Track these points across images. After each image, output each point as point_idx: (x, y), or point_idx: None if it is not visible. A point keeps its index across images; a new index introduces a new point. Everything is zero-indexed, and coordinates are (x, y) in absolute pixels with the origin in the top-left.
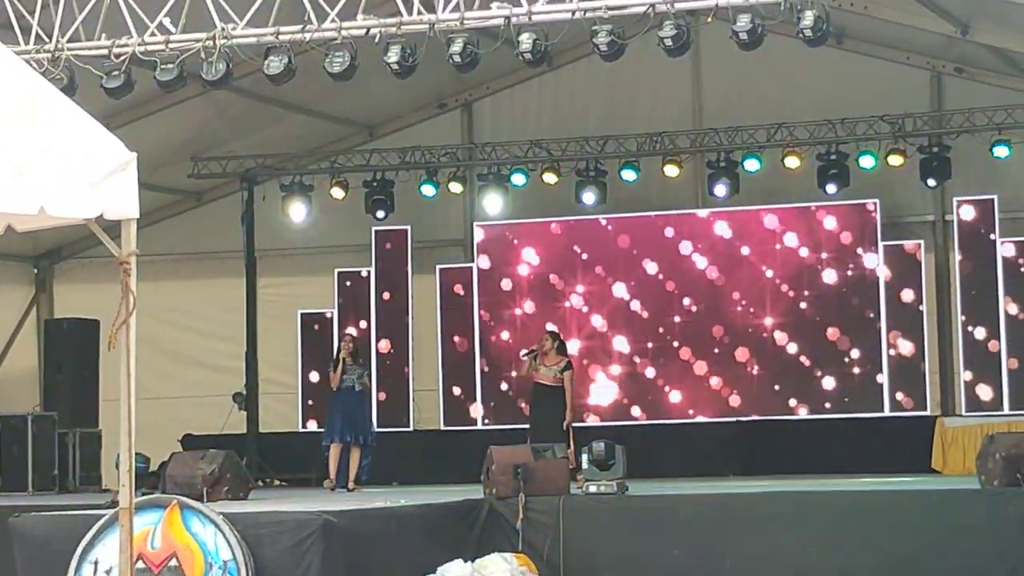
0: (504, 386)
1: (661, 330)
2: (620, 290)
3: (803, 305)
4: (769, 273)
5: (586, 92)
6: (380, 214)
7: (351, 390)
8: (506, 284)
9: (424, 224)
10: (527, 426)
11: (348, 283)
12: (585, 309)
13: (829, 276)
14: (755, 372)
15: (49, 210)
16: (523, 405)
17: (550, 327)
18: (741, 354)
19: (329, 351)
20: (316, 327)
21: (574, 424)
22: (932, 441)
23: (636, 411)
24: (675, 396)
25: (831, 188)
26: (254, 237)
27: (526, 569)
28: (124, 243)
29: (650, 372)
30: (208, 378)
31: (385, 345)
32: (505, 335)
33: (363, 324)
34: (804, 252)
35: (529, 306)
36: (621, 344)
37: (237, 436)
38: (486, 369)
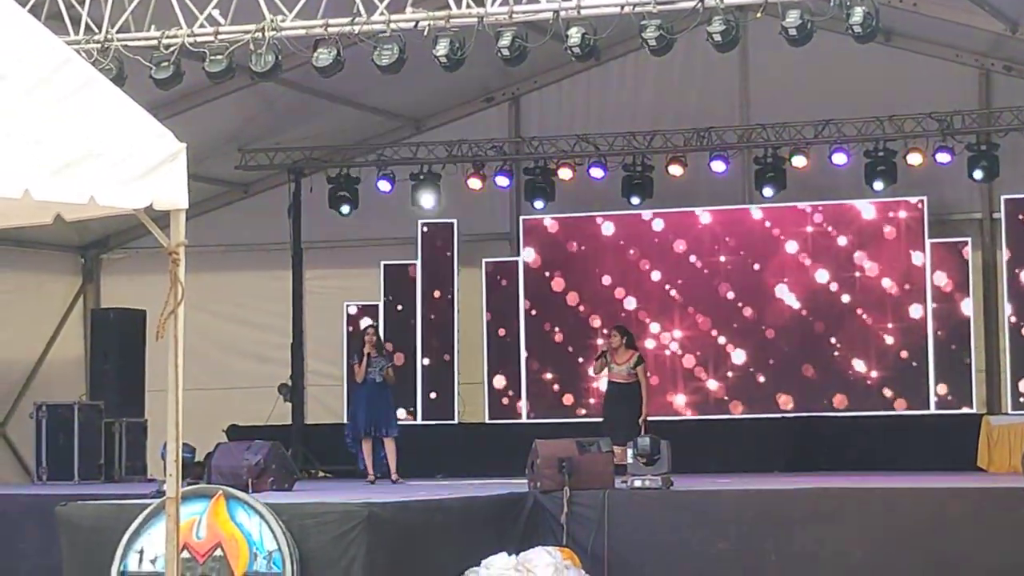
0: (549, 378)
1: (704, 324)
2: (658, 276)
3: (850, 302)
4: (813, 267)
5: (634, 87)
6: (427, 207)
7: (374, 382)
8: (552, 277)
9: (470, 218)
10: (595, 421)
11: (394, 276)
12: (632, 306)
13: (874, 271)
14: (802, 370)
15: (99, 200)
16: (568, 399)
17: (617, 325)
18: (785, 348)
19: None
20: (362, 319)
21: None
22: (978, 439)
23: (680, 403)
24: (715, 386)
25: (878, 185)
26: (300, 229)
27: (570, 563)
28: (173, 233)
29: (699, 371)
30: (254, 369)
31: (430, 338)
32: (551, 329)
33: (409, 317)
34: (850, 249)
35: (575, 299)
36: (656, 329)
37: (283, 427)
38: (532, 363)
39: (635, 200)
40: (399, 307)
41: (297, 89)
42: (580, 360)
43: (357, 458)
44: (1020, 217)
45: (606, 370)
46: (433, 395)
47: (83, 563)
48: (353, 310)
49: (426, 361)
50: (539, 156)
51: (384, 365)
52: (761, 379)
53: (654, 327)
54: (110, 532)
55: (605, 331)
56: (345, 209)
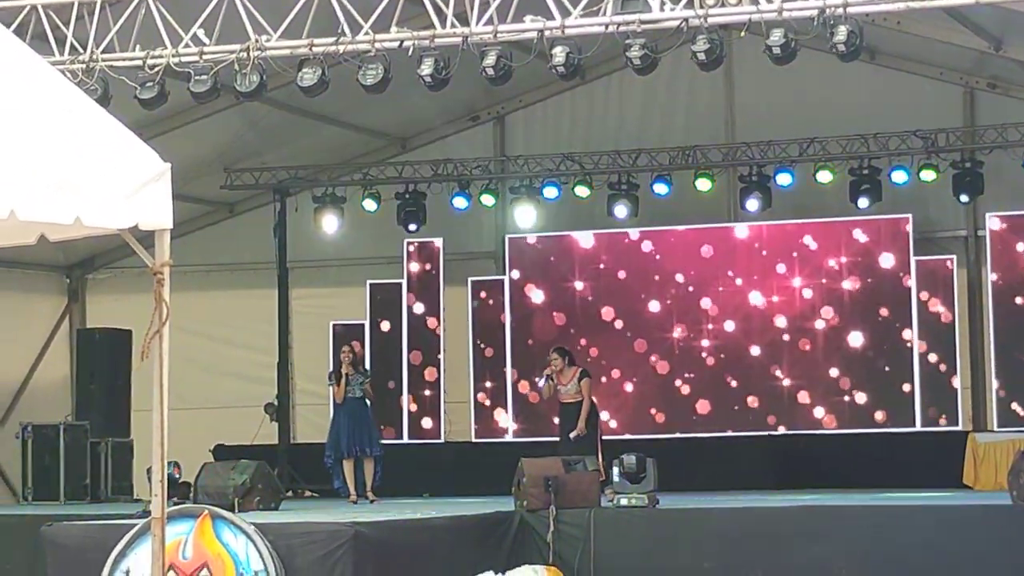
0: (535, 399)
1: (689, 341)
2: (654, 307)
3: (836, 320)
4: (798, 284)
5: (619, 105)
6: (412, 226)
7: (354, 399)
8: (537, 297)
9: (456, 237)
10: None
11: (380, 295)
12: (619, 325)
13: (861, 291)
14: (786, 385)
15: (85, 220)
16: (555, 419)
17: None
18: (772, 368)
19: (360, 362)
20: (348, 338)
21: (603, 437)
22: (964, 456)
23: (665, 423)
24: (705, 408)
25: (863, 203)
26: (286, 248)
27: None
28: (158, 253)
29: (684, 388)
30: (240, 388)
31: (416, 357)
32: (537, 347)
33: (395, 336)
34: (836, 266)
35: (560, 318)
36: (648, 355)
37: (269, 447)
38: (517, 382)
39: (620, 218)
40: (385, 326)
41: (282, 108)
42: None
43: (334, 478)
44: (1004, 234)
45: (555, 392)
46: (419, 414)
47: None
48: (339, 329)
49: (411, 379)
50: (524, 175)
51: (363, 380)
52: (747, 398)
53: (638, 343)
54: (96, 552)
55: (551, 354)
56: (331, 228)
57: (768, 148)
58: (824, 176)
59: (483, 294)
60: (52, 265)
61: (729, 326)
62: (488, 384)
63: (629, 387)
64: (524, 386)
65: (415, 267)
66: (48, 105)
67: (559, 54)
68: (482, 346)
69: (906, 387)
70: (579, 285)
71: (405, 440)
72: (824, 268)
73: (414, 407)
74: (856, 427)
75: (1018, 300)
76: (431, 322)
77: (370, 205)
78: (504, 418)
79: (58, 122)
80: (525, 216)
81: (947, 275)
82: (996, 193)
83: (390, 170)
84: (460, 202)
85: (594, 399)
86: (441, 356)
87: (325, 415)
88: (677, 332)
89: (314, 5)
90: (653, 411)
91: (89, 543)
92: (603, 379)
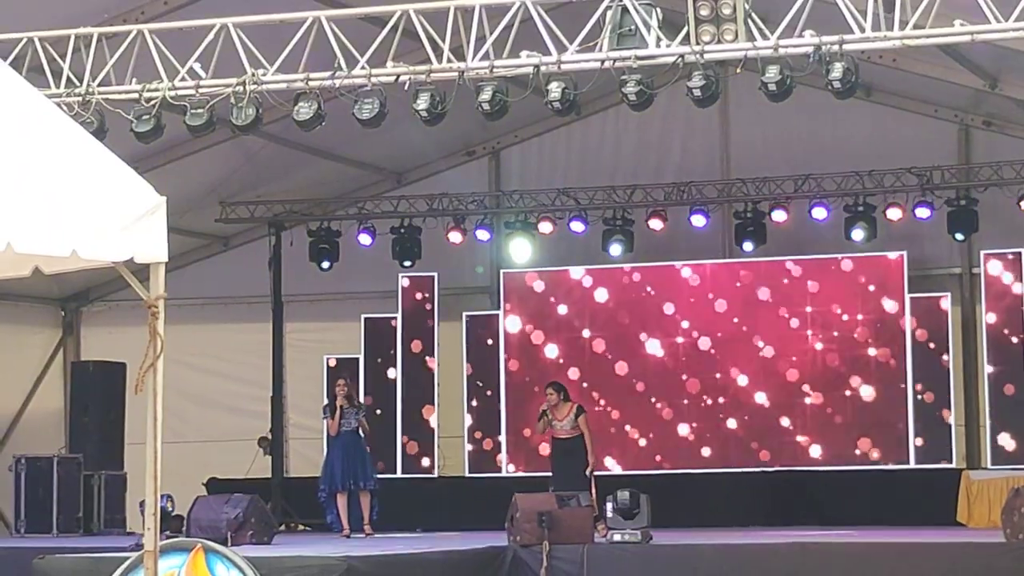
0: (528, 433)
1: (687, 381)
2: (652, 345)
3: (827, 356)
4: (794, 322)
5: (614, 141)
6: (407, 263)
7: (349, 432)
8: (532, 332)
9: (451, 271)
10: (550, 475)
11: (374, 329)
12: (609, 357)
13: (854, 327)
14: (782, 424)
15: (81, 253)
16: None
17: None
18: (764, 403)
19: (355, 395)
20: (342, 372)
21: (596, 473)
22: (957, 494)
23: (659, 459)
24: (700, 445)
25: (858, 239)
26: (281, 282)
27: None
28: (152, 286)
29: (683, 429)
30: (234, 422)
31: (410, 392)
32: (530, 381)
33: (389, 370)
34: (830, 302)
35: (554, 352)
36: (644, 391)
37: (262, 480)
38: (511, 416)
39: (615, 254)
40: (379, 360)
41: (278, 142)
42: None
43: (326, 512)
44: (999, 272)
45: (549, 428)
46: (412, 449)
47: None
48: (333, 363)
49: (405, 414)
50: (520, 210)
51: (357, 413)
52: (740, 432)
53: (632, 380)
54: None
55: (547, 390)
56: (325, 263)
57: (763, 184)
58: (819, 213)
59: (489, 341)
60: (47, 298)
61: (723, 362)
62: (482, 418)
63: (643, 442)
64: (518, 421)
65: (409, 302)
66: (44, 138)
67: (555, 89)
68: (476, 381)
69: (899, 424)
70: (574, 320)
71: (398, 475)
72: (818, 304)
73: (408, 442)
74: (849, 463)
75: (1012, 338)
76: (426, 357)
77: (365, 239)
78: (498, 453)
79: (54, 155)
80: (520, 251)
81: (942, 312)
82: (991, 231)
83: (385, 204)
84: (455, 236)
85: None
86: (435, 390)
87: (318, 449)
88: (670, 366)
89: (310, 39)
90: (658, 458)
91: None
92: (612, 430)
